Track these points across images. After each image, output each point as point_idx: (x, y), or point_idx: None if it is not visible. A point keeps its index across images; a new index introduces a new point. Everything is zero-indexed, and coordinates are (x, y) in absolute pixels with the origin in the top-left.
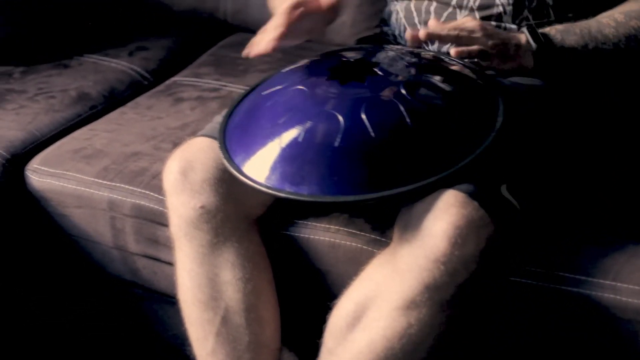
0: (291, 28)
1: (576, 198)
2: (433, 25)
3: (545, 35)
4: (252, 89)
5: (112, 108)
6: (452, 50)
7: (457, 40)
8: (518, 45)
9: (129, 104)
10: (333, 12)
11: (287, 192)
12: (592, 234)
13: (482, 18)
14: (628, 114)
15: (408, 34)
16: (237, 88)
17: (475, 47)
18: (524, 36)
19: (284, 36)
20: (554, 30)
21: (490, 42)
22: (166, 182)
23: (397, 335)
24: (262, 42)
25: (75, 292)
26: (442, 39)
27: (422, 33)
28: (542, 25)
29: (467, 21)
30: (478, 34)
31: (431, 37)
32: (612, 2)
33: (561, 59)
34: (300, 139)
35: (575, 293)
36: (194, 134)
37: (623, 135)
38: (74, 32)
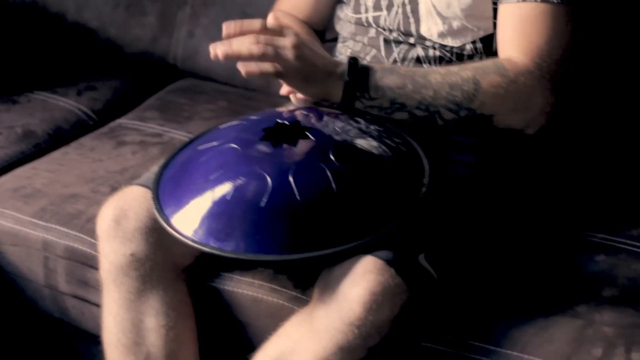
0: None
1: (491, 269)
2: (239, 35)
3: (365, 69)
4: (190, 142)
5: (56, 147)
6: (242, 69)
7: (261, 57)
8: (329, 73)
9: (73, 144)
10: None
11: (210, 246)
12: (504, 305)
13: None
14: (546, 189)
15: (212, 52)
16: (179, 135)
17: (269, 68)
18: (341, 67)
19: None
20: (379, 67)
21: (294, 65)
22: (99, 228)
23: None
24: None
25: (5, 327)
26: (244, 58)
27: (220, 53)
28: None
29: (283, 37)
30: (286, 52)
31: (230, 57)
32: None
33: (372, 97)
34: (228, 197)
35: None
36: (132, 179)
37: (539, 211)
38: (25, 68)
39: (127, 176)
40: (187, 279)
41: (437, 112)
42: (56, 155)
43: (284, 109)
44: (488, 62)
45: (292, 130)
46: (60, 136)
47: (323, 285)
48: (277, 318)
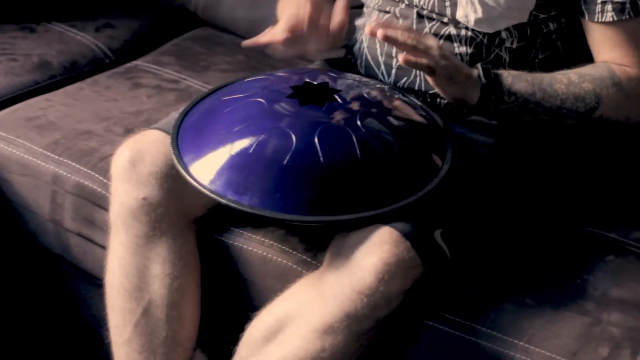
0: (296, 39)
1: (503, 256)
2: (394, 29)
3: (496, 74)
4: (213, 91)
5: (71, 81)
6: (401, 57)
7: (412, 50)
8: (469, 76)
9: (88, 80)
10: (337, 41)
11: (228, 199)
12: (515, 293)
13: None
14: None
15: (368, 29)
16: (195, 83)
17: (424, 61)
18: (476, 71)
19: (286, 42)
20: (507, 73)
21: (442, 63)
22: (114, 168)
23: (310, 357)
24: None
25: (3, 257)
26: (399, 45)
27: (380, 33)
28: None
29: (428, 37)
30: (434, 52)
31: (388, 39)
32: (565, 66)
33: (506, 101)
34: (251, 150)
35: (488, 348)
36: (147, 122)
37: (553, 201)
38: None
39: (142, 119)
40: (196, 230)
41: (560, 120)
42: (71, 89)
43: (311, 69)
44: (604, 73)
45: (319, 91)
46: (75, 70)
47: (336, 251)
48: (284, 280)
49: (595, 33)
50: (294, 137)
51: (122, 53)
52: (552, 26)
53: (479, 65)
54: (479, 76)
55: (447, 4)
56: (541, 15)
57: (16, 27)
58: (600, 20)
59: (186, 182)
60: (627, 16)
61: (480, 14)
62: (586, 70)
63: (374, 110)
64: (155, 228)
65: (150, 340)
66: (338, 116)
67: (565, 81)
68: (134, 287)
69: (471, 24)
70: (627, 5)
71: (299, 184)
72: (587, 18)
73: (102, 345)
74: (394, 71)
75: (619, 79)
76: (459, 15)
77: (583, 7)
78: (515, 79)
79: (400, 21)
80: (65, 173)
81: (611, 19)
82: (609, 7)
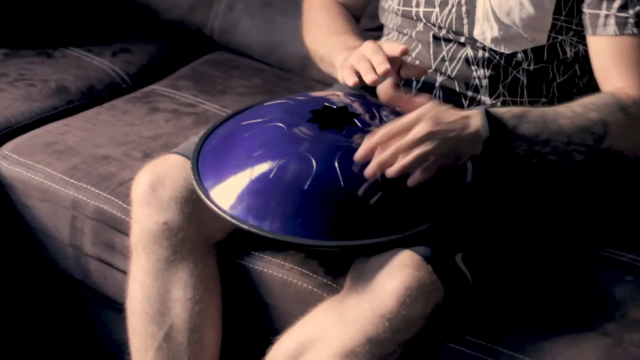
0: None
1: (526, 278)
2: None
3: (499, 121)
4: (232, 116)
5: (89, 106)
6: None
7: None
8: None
9: (106, 105)
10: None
11: (249, 224)
12: (536, 315)
13: (460, 87)
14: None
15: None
16: (213, 107)
17: (418, 152)
18: (478, 122)
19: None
20: (510, 115)
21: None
22: (134, 192)
23: None
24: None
25: (24, 282)
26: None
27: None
28: (515, 104)
29: (415, 132)
30: (428, 145)
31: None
32: (584, 91)
33: (511, 147)
34: (271, 175)
35: None
36: (165, 146)
37: (577, 224)
38: (60, 22)
39: (160, 143)
40: (217, 254)
41: (569, 157)
42: (89, 114)
43: (330, 93)
44: (609, 99)
45: (339, 115)
46: (93, 95)
47: (356, 274)
48: (305, 303)
49: (597, 47)
50: (314, 162)
51: (139, 78)
52: (569, 52)
53: (480, 112)
54: (480, 129)
55: (465, 21)
56: (560, 38)
57: (33, 52)
58: (602, 33)
59: (207, 207)
60: (630, 32)
61: (496, 32)
62: (589, 99)
63: None
64: (176, 252)
65: None
66: (358, 140)
67: (570, 114)
68: (156, 311)
69: (488, 42)
70: (631, 20)
71: (320, 209)
72: (590, 32)
73: None
74: (413, 92)
75: (625, 104)
76: (476, 32)
77: (588, 22)
78: (519, 121)
79: (418, 45)
80: (84, 198)
81: (613, 33)
82: (611, 20)
